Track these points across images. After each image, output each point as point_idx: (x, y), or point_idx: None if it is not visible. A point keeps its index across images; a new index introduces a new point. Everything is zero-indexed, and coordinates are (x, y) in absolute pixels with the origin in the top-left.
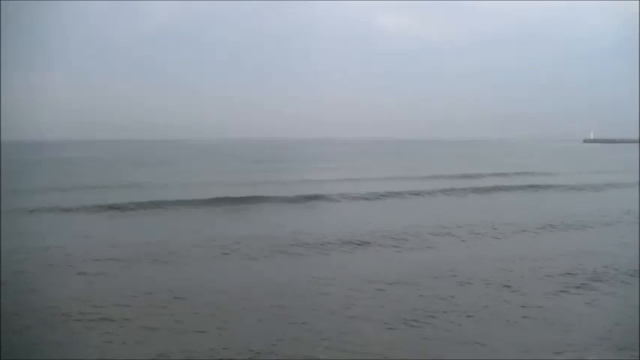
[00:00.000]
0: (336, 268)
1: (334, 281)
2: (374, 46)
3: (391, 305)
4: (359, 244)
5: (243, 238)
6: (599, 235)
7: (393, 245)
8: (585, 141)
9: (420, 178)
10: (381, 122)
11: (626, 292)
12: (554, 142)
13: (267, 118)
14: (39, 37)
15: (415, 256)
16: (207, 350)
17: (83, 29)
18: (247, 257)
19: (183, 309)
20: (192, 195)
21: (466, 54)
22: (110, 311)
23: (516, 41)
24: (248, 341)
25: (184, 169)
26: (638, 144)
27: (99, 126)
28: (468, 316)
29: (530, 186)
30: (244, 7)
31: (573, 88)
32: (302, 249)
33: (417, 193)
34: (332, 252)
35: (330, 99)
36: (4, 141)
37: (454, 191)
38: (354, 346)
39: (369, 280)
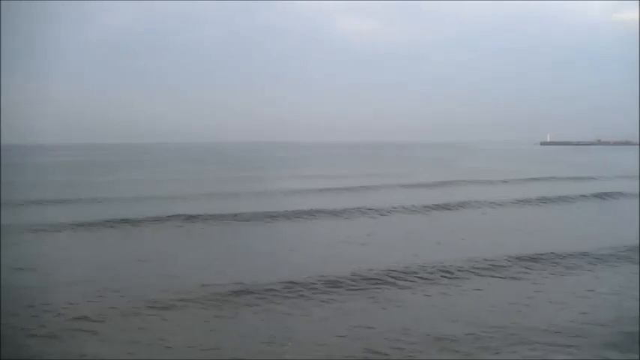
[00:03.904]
0: None
1: None
2: (334, 48)
3: None
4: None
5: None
6: None
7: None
8: (542, 143)
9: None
10: (346, 126)
11: None
12: (513, 144)
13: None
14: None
15: None
16: None
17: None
18: None
19: None
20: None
21: (431, 56)
22: None
23: (480, 43)
24: None
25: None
26: (594, 146)
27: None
28: None
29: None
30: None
31: (538, 91)
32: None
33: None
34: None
35: (290, 102)
36: None
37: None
38: None
39: None
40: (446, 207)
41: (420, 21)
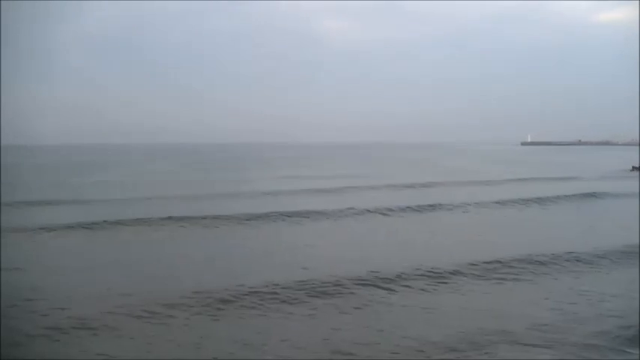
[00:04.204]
0: None
1: None
2: (314, 48)
3: None
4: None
5: None
6: None
7: None
8: (523, 144)
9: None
10: (326, 125)
11: None
12: (494, 145)
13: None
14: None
15: None
16: None
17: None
18: None
19: None
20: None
21: (409, 56)
22: None
23: (464, 43)
24: None
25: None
26: (575, 147)
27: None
28: None
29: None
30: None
31: (519, 91)
32: None
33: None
34: None
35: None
36: None
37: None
38: None
39: None
40: (421, 209)
41: (402, 21)
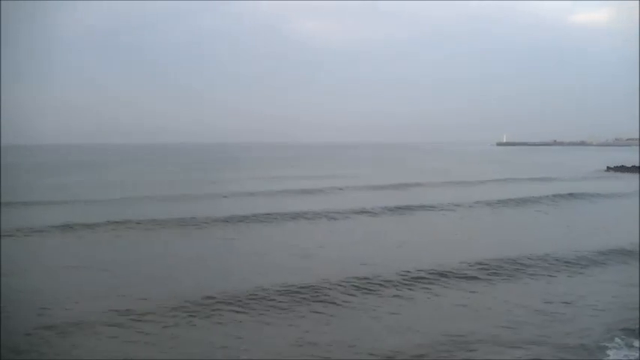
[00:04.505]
0: None
1: None
2: (288, 49)
3: None
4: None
5: None
6: None
7: None
8: (498, 144)
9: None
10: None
11: None
12: (470, 145)
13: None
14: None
15: None
16: None
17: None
18: None
19: None
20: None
21: (386, 57)
22: None
23: (441, 44)
24: None
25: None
26: (551, 147)
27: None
28: None
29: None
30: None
31: (495, 92)
32: None
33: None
34: None
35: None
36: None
37: None
38: None
39: None
40: (398, 210)
41: (380, 22)
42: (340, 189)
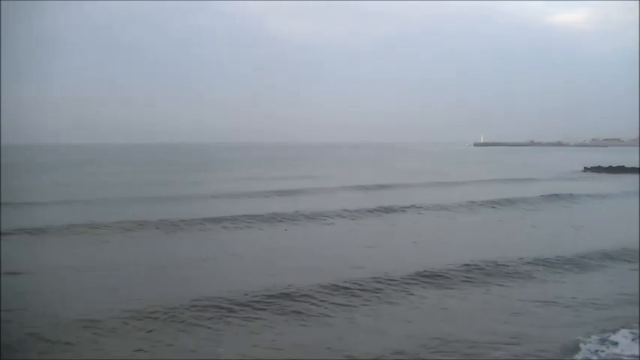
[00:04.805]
0: None
1: None
2: (266, 49)
3: None
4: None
5: None
6: None
7: None
8: (476, 144)
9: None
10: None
11: None
12: (447, 145)
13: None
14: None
15: None
16: None
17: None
18: None
19: None
20: None
21: (366, 57)
22: None
23: (417, 43)
24: None
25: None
26: (528, 147)
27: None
28: None
29: None
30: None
31: (473, 92)
32: None
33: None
34: None
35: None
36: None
37: None
38: None
39: None
40: (379, 211)
41: (353, 21)
42: (321, 189)
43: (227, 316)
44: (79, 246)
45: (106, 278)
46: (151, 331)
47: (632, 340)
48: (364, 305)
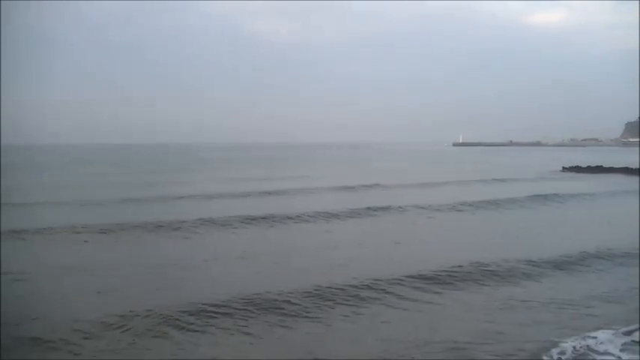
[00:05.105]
0: None
1: None
2: (247, 49)
3: None
4: None
5: None
6: None
7: None
8: (455, 144)
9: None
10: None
11: None
12: (427, 145)
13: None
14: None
15: None
16: None
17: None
18: None
19: None
20: None
21: (347, 57)
22: None
23: (396, 44)
24: None
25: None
26: (507, 147)
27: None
28: None
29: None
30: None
31: (453, 93)
32: None
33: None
34: None
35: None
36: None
37: None
38: None
39: None
40: (360, 212)
41: (334, 21)
42: (301, 190)
43: (206, 322)
44: (51, 248)
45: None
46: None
47: (609, 340)
48: (345, 306)
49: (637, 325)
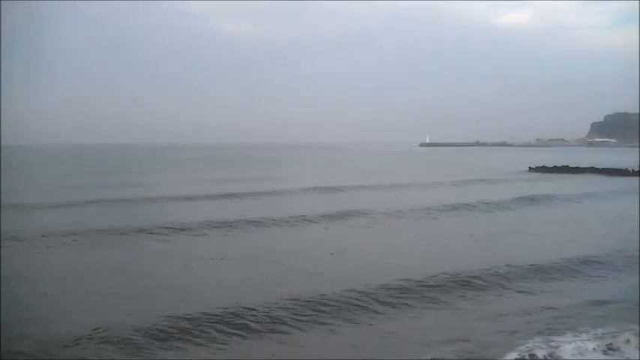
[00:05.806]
0: None
1: None
2: (212, 50)
3: None
4: None
5: None
6: None
7: None
8: (421, 145)
9: None
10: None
11: None
12: (393, 145)
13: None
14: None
15: None
16: None
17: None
18: None
19: None
20: None
21: (313, 57)
22: None
23: (362, 42)
24: None
25: None
26: (473, 147)
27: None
28: None
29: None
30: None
31: (419, 93)
32: None
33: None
34: None
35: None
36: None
37: None
38: None
39: None
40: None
41: (301, 21)
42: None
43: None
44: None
45: None
46: None
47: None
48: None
49: (611, 329)
